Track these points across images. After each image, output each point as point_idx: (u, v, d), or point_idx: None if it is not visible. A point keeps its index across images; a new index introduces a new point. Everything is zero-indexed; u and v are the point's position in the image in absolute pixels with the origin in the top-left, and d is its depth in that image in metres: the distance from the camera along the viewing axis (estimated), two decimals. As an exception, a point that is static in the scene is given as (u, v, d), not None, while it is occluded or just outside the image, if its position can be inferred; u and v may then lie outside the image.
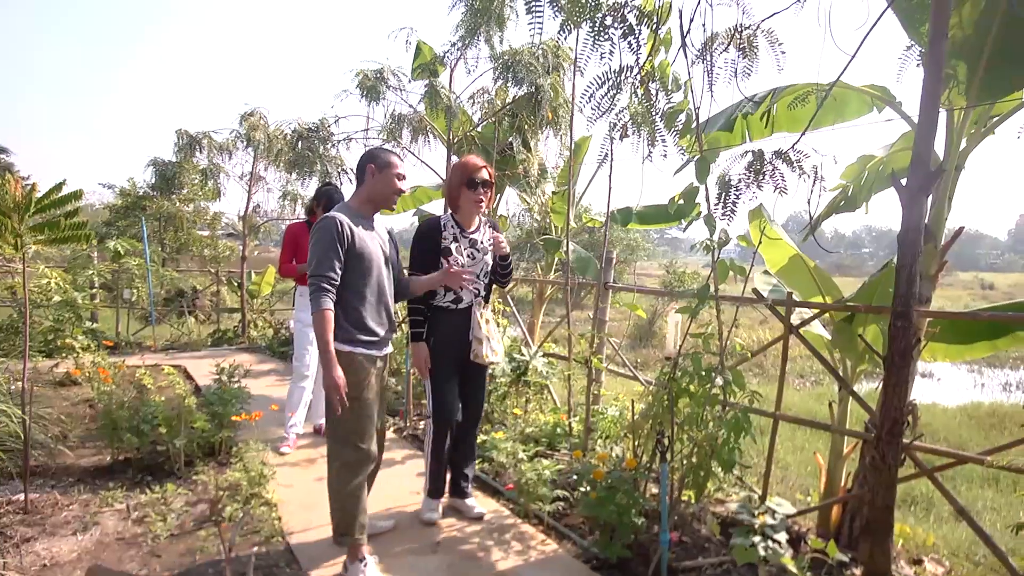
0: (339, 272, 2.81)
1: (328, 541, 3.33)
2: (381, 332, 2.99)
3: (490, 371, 3.90)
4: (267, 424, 5.10)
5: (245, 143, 8.53)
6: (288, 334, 8.43)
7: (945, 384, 12.00)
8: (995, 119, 3.31)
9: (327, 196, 4.77)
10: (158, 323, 10.06)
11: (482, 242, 3.47)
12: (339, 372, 2.75)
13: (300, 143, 6.01)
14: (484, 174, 3.41)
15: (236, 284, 10.72)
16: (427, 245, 3.40)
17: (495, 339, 3.50)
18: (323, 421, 5.10)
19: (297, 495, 3.93)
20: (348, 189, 6.75)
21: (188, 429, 4.27)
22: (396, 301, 3.19)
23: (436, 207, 8.02)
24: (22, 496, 3.62)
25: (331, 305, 2.76)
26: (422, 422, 5.01)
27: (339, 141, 6.14)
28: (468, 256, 3.42)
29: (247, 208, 9.68)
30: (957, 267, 66.31)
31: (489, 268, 3.52)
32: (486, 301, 3.55)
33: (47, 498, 3.73)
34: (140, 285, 9.19)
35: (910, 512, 5.52)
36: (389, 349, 3.11)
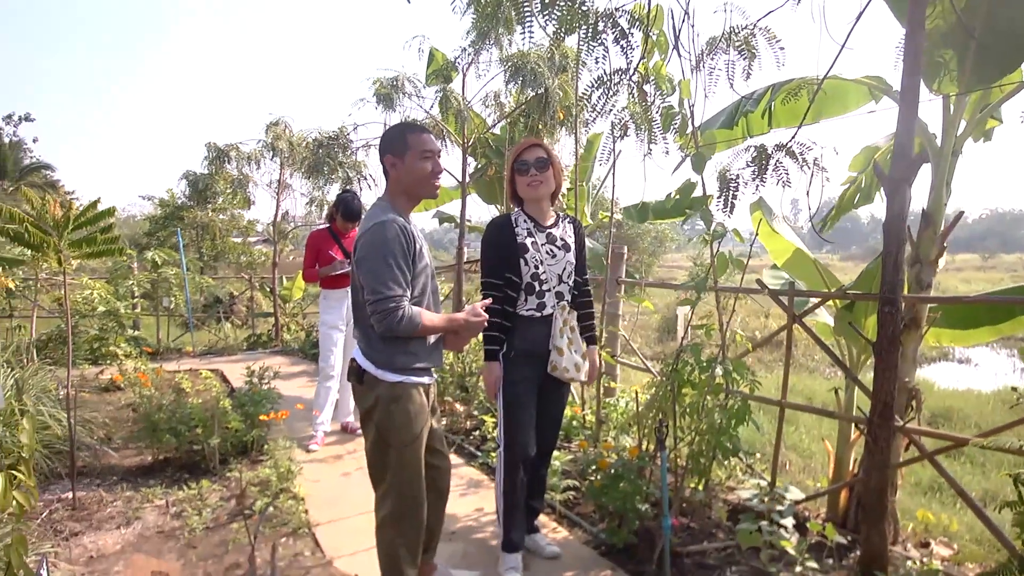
0: (409, 288, 2.31)
1: (352, 531, 3.52)
2: (433, 358, 2.50)
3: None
4: (297, 423, 5.34)
5: (271, 152, 8.83)
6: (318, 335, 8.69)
7: (983, 369, 11.77)
8: (990, 105, 3.33)
9: (344, 203, 4.96)
10: (196, 329, 10.44)
11: (562, 238, 3.01)
12: (470, 314, 2.45)
13: (320, 151, 6.23)
14: (533, 152, 2.93)
15: (269, 289, 11.05)
16: (503, 244, 2.91)
17: (577, 352, 3.01)
18: (350, 419, 5.31)
19: (323, 490, 4.12)
20: (367, 195, 6.98)
21: (222, 429, 4.50)
22: None
23: (454, 208, 8.21)
24: (70, 494, 3.89)
25: (418, 311, 2.30)
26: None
27: (358, 148, 6.35)
28: (547, 253, 2.94)
29: (276, 215, 10.00)
30: (1001, 249, 64.15)
31: (574, 268, 3.04)
32: (572, 307, 3.06)
33: (93, 496, 3.99)
34: (178, 293, 9.57)
35: (935, 498, 5.49)
36: (435, 377, 2.64)
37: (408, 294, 2.28)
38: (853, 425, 3.67)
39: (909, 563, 2.99)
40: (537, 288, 2.94)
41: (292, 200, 9.94)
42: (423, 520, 2.46)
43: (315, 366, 8.01)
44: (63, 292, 3.99)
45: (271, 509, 3.70)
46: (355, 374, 2.42)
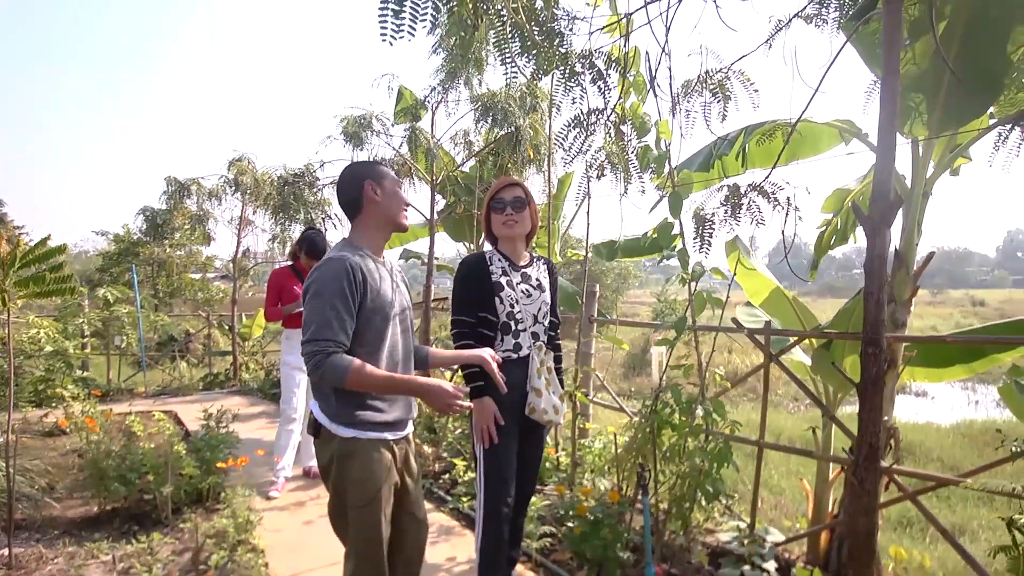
0: (350, 333, 2.11)
1: (316, 586, 3.32)
2: (397, 411, 2.27)
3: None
4: (257, 467, 5.09)
5: (234, 188, 8.64)
6: (280, 376, 8.44)
7: (939, 403, 12.00)
8: (958, 148, 3.41)
9: (309, 241, 4.83)
10: (150, 368, 10.04)
11: (537, 278, 2.95)
12: (442, 387, 2.19)
13: (286, 188, 6.10)
14: (511, 191, 2.87)
15: (227, 327, 10.73)
16: (475, 282, 2.84)
17: (555, 393, 2.92)
18: (313, 463, 5.09)
19: (285, 539, 3.91)
20: (332, 234, 6.85)
21: (175, 476, 4.25)
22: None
23: (422, 245, 8.12)
24: (6, 551, 3.59)
25: (350, 359, 2.06)
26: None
27: (324, 186, 6.24)
28: (523, 293, 2.87)
29: (237, 252, 9.75)
30: (948, 285, 66.98)
31: (549, 308, 2.97)
32: (548, 347, 2.98)
33: (32, 552, 3.69)
34: (130, 332, 9.20)
35: (906, 533, 5.50)
36: (410, 429, 2.39)
37: (343, 338, 2.08)
38: (830, 464, 3.63)
39: (895, 608, 2.94)
40: (513, 328, 2.86)
41: (254, 236, 9.74)
42: None
43: (275, 407, 7.75)
44: (7, 332, 3.75)
45: (229, 564, 3.47)
46: (313, 427, 2.24)
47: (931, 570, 3.95)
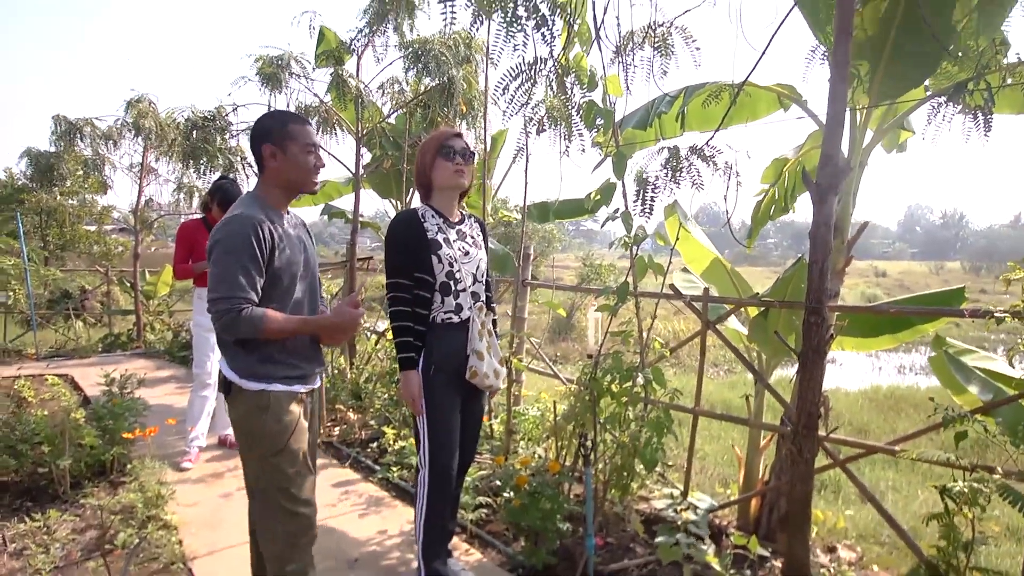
0: (259, 290, 2.11)
1: (237, 561, 3.09)
2: (306, 364, 2.27)
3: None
4: (167, 437, 4.75)
5: (133, 132, 7.93)
6: (189, 337, 7.95)
7: (846, 369, 12.64)
8: (895, 118, 3.43)
9: (222, 191, 4.45)
10: (41, 328, 9.27)
11: (472, 235, 2.84)
12: (341, 309, 2.26)
13: (195, 133, 5.60)
14: (461, 141, 2.73)
15: (129, 284, 10.01)
16: (410, 240, 2.65)
17: (496, 357, 2.82)
18: (229, 432, 4.79)
19: (201, 514, 3.65)
20: (251, 183, 6.39)
21: (75, 447, 3.90)
22: None
23: (346, 202, 7.75)
24: None
25: (262, 310, 2.07)
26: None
27: (238, 132, 5.77)
28: (461, 251, 2.72)
29: (139, 202, 9.03)
30: (854, 257, 71.75)
31: (486, 266, 2.86)
32: (488, 308, 2.87)
33: (-95, 535, 3.30)
34: (17, 287, 8.42)
35: (820, 496, 5.73)
36: (318, 383, 2.40)
37: (253, 296, 2.09)
38: (762, 431, 3.68)
39: (823, 571, 3.01)
40: (453, 288, 2.70)
41: (157, 186, 9.03)
42: (315, 537, 2.28)
43: (185, 371, 7.30)
44: None
45: (138, 541, 3.20)
46: (224, 385, 2.25)
47: (845, 532, 4.12)
